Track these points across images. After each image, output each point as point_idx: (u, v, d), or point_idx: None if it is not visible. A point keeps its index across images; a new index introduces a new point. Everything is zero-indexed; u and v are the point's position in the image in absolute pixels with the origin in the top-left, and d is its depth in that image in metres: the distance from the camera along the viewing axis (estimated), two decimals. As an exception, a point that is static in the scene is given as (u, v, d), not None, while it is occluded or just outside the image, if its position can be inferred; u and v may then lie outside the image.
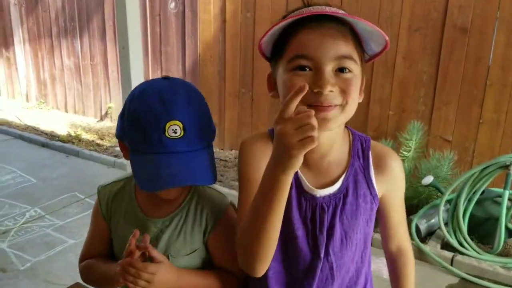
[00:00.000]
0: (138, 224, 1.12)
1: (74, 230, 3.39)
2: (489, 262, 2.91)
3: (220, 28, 4.94)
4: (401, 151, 3.63)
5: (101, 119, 6.50)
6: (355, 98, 0.90)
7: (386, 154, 1.02)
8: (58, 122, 6.46)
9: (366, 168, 1.00)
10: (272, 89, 0.99)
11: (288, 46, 0.89)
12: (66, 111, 7.01)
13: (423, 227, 3.24)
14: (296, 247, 1.00)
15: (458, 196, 3.09)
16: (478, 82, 3.62)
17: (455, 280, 2.86)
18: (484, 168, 3.03)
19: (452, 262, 2.98)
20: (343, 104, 0.88)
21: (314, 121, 0.73)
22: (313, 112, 0.74)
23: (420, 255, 3.08)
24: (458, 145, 3.78)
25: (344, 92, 0.87)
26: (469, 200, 3.08)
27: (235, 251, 1.04)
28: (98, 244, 1.23)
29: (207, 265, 1.16)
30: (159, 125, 0.98)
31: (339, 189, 0.98)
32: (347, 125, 1.02)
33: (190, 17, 5.16)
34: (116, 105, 6.23)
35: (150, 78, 5.66)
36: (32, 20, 7.00)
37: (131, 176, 1.19)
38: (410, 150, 3.58)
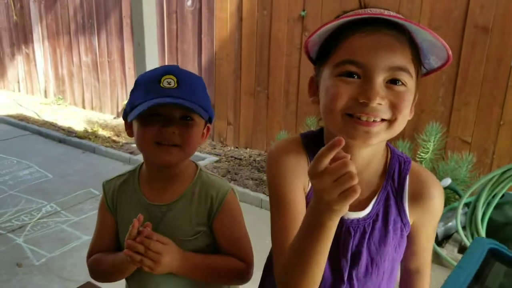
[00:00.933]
0: (142, 210, 1.14)
1: (89, 226, 3.41)
2: (508, 268, 2.84)
3: (237, 26, 4.92)
4: (418, 152, 3.56)
5: (118, 116, 6.54)
6: (406, 114, 0.82)
7: (426, 182, 0.91)
8: (75, 118, 6.52)
9: (399, 193, 0.91)
10: (313, 94, 0.90)
11: (337, 48, 0.81)
12: (84, 107, 7.08)
13: (440, 230, 3.18)
14: None
15: (477, 200, 3.02)
16: (499, 83, 3.54)
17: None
18: (505, 171, 2.96)
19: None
20: (391, 119, 0.80)
21: (352, 168, 0.66)
22: (349, 156, 0.67)
23: (436, 259, 3.02)
24: (477, 147, 3.70)
25: (394, 107, 0.79)
26: (488, 204, 3.01)
27: (238, 235, 1.16)
28: (106, 239, 1.23)
29: (211, 251, 1.18)
30: (155, 79, 1.09)
31: (368, 214, 0.90)
32: (388, 142, 0.94)
33: (206, 15, 5.15)
34: (132, 102, 6.26)
35: (166, 75, 5.69)
36: (51, 17, 7.08)
37: (135, 169, 1.26)
38: (428, 152, 3.52)
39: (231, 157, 4.92)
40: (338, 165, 0.66)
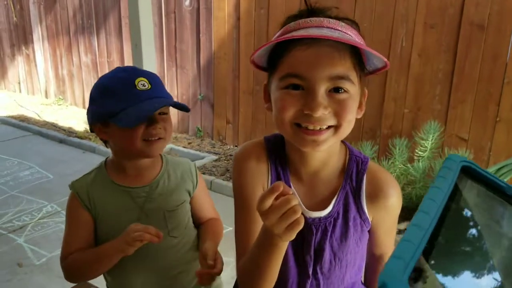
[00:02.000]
0: (124, 196, 1.27)
1: (89, 226, 3.44)
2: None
3: (234, 26, 4.94)
4: (416, 151, 3.58)
5: (118, 115, 6.57)
6: (351, 119, 0.85)
7: (382, 182, 0.95)
8: (76, 119, 6.56)
9: (357, 192, 0.95)
10: (267, 101, 0.95)
11: (281, 61, 0.85)
12: (84, 107, 7.11)
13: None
14: (286, 264, 0.99)
15: (473, 196, 3.04)
16: (495, 80, 3.55)
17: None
18: (500, 168, 2.98)
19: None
20: (337, 125, 0.84)
21: (294, 202, 0.74)
22: (290, 191, 0.75)
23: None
24: (474, 144, 3.72)
25: (338, 115, 0.82)
26: (484, 200, 3.03)
27: (211, 201, 1.45)
28: (84, 237, 1.27)
29: (191, 216, 1.40)
30: (129, 83, 1.18)
31: (329, 213, 0.95)
32: (345, 142, 0.99)
33: (204, 15, 5.17)
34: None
35: (165, 75, 5.70)
36: (51, 18, 7.11)
37: (100, 166, 1.33)
38: (426, 150, 3.53)
39: (230, 155, 4.95)
40: (282, 202, 0.73)
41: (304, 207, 0.95)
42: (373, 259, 1.08)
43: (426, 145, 3.54)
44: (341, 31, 0.82)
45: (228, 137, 5.37)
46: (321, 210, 0.95)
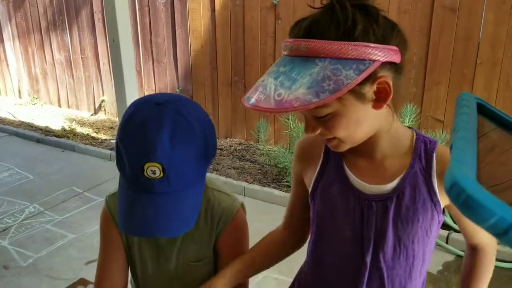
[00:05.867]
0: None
1: (74, 224, 3.43)
2: (483, 239, 2.97)
3: (210, 17, 4.93)
4: (394, 133, 3.66)
5: (95, 112, 6.49)
6: (348, 133, 0.82)
7: None
8: (52, 117, 6.45)
9: (428, 171, 0.88)
10: None
11: None
12: (60, 105, 7.00)
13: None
14: (345, 250, 0.94)
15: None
16: (468, 61, 3.65)
17: (451, 258, 2.92)
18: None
19: (447, 240, 3.04)
20: (337, 138, 0.84)
21: None
22: None
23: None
24: (450, 124, 3.81)
25: (327, 134, 0.83)
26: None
27: (241, 253, 1.11)
28: (117, 253, 1.14)
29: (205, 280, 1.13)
30: (138, 164, 0.91)
31: (394, 189, 0.87)
32: (412, 128, 0.95)
33: (179, 7, 5.13)
34: (109, 98, 6.22)
35: (142, 69, 5.65)
36: (20, 15, 6.94)
37: None
38: (403, 132, 3.61)
39: (212, 147, 4.96)
40: None
41: (359, 181, 0.90)
42: (469, 248, 1.03)
43: (404, 128, 3.62)
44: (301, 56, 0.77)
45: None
46: (383, 185, 0.88)
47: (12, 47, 7.32)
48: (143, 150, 0.90)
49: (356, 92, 0.76)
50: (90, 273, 1.46)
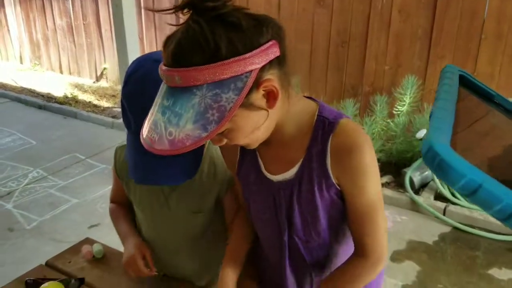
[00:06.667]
0: (152, 186, 1.20)
1: (77, 190, 3.48)
2: (481, 212, 3.02)
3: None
4: (395, 105, 3.67)
5: (97, 80, 6.47)
6: (250, 139, 0.84)
7: (349, 143, 0.87)
8: (54, 84, 6.44)
9: (322, 156, 0.90)
10: None
11: None
12: (61, 72, 6.97)
13: (416, 179, 3.33)
14: (267, 230, 1.05)
15: (451, 149, 3.16)
16: (473, 36, 3.62)
17: (447, 229, 2.98)
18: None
19: (444, 212, 3.09)
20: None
21: None
22: None
23: (413, 206, 3.19)
24: (452, 98, 3.82)
25: (233, 143, 0.84)
26: (462, 153, 3.14)
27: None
28: (118, 194, 1.35)
29: (204, 230, 1.26)
30: (142, 118, 0.92)
31: (295, 174, 0.93)
32: (319, 101, 0.94)
33: (182, -26, 5.05)
34: (111, 66, 6.19)
35: (144, 37, 5.61)
36: (21, -21, 6.85)
37: None
38: (404, 105, 3.62)
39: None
40: None
41: (266, 172, 0.97)
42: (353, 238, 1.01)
43: (404, 99, 3.62)
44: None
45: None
46: (286, 172, 0.94)
47: (13, 12, 7.24)
48: (145, 105, 0.94)
49: (245, 105, 0.75)
50: (94, 236, 1.51)
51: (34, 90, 6.15)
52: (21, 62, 7.53)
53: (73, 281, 1.23)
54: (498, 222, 2.46)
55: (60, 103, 5.55)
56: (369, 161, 0.88)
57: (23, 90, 6.16)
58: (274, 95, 0.78)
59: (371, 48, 4.07)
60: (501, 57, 3.56)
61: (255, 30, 0.74)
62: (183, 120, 0.72)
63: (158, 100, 0.78)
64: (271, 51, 0.75)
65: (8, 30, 7.43)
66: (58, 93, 5.95)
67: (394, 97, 3.71)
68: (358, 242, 0.97)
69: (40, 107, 5.60)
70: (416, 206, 3.17)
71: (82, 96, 5.81)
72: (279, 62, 0.78)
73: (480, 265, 2.63)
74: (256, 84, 0.75)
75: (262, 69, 0.75)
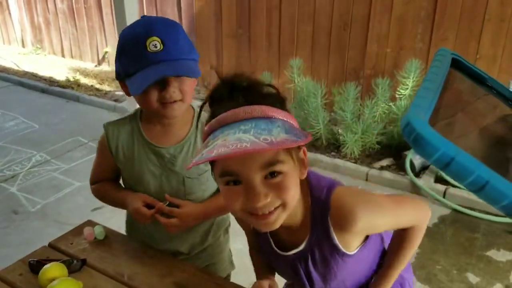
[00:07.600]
0: (150, 152, 1.30)
1: (80, 173, 3.51)
2: (480, 194, 3.03)
3: (215, -34, 4.81)
4: (398, 89, 3.66)
5: (99, 63, 6.46)
6: (294, 193, 0.86)
7: (348, 219, 0.93)
8: (56, 67, 6.43)
9: (325, 233, 0.97)
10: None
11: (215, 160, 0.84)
12: (63, 56, 6.96)
13: (417, 162, 3.34)
14: (289, 280, 1.24)
15: (452, 132, 3.16)
16: (476, 17, 3.59)
17: (447, 212, 3.00)
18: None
19: (444, 195, 3.10)
20: (282, 203, 0.84)
21: None
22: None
23: (414, 189, 3.21)
24: (454, 81, 3.80)
25: (279, 196, 0.83)
26: (463, 136, 3.14)
27: None
28: (106, 170, 1.41)
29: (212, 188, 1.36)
30: (141, 43, 1.14)
31: (305, 248, 1.00)
32: (308, 177, 0.97)
33: (183, -45, 5.00)
34: (112, 49, 6.17)
35: (146, 20, 5.58)
36: (21, -39, 6.79)
37: (135, 114, 1.35)
38: (407, 89, 3.61)
39: (216, 100, 4.96)
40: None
41: (277, 250, 1.05)
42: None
43: (407, 83, 3.61)
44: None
45: (212, 83, 5.35)
46: (296, 248, 1.02)
47: (14, -5, 7.21)
48: (143, 32, 1.15)
49: (295, 153, 0.85)
50: (97, 219, 1.53)
51: (36, 74, 6.16)
52: (23, 46, 7.52)
53: (75, 262, 1.25)
54: (496, 204, 2.44)
55: (62, 86, 5.55)
56: (371, 216, 0.96)
57: (25, 74, 6.17)
58: (305, 164, 0.89)
59: (373, 30, 4.04)
60: (504, 40, 3.53)
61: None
62: (274, 132, 0.77)
63: (229, 131, 0.78)
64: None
65: (10, 14, 7.40)
66: (60, 77, 5.95)
67: (397, 80, 3.70)
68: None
69: (42, 90, 5.61)
70: (417, 188, 3.19)
71: (84, 80, 5.81)
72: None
73: (479, 247, 2.66)
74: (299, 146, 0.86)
75: None
